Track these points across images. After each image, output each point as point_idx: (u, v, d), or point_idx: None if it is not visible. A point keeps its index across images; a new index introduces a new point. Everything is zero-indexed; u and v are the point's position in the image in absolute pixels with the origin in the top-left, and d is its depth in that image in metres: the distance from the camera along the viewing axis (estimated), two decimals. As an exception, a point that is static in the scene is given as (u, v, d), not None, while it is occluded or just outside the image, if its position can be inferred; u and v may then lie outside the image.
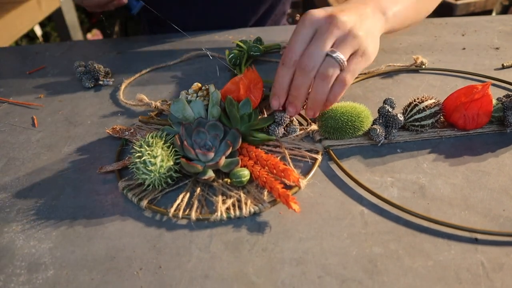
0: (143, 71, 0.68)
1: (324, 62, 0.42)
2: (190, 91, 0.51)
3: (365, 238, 0.36)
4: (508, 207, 0.38)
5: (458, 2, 1.68)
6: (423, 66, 0.63)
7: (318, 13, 0.44)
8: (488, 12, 1.81)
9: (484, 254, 0.34)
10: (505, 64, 0.63)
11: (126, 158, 0.45)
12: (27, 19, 1.50)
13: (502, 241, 0.35)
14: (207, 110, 0.46)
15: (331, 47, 0.43)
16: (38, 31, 1.78)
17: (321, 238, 0.36)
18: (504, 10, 1.94)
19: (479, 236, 0.35)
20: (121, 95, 0.60)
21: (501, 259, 0.33)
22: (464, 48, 0.70)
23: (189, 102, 0.46)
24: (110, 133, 0.49)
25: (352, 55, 0.44)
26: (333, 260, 0.34)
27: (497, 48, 0.69)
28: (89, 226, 0.38)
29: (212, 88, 0.47)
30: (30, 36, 1.99)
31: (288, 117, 0.46)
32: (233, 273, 0.33)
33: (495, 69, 0.62)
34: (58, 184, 0.44)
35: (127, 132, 0.49)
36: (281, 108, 0.46)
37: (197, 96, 0.50)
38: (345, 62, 0.42)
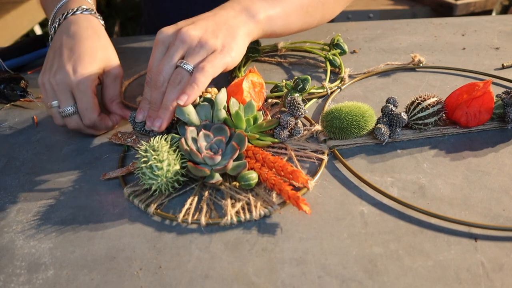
0: (142, 72, 0.68)
1: (173, 73, 0.45)
2: None
3: (365, 238, 0.36)
4: (508, 207, 0.38)
5: (458, 2, 1.68)
6: (421, 64, 0.64)
7: (168, 30, 0.47)
8: (488, 12, 1.81)
9: (484, 254, 0.34)
10: (505, 64, 0.63)
11: (131, 164, 0.45)
12: (27, 19, 1.50)
13: (502, 241, 0.35)
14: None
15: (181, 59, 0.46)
16: (38, 31, 1.78)
17: (321, 238, 0.36)
18: (504, 10, 1.94)
19: (477, 231, 0.35)
20: (123, 98, 0.60)
21: (501, 259, 0.33)
22: (464, 48, 0.70)
23: (195, 106, 0.45)
24: (112, 140, 0.49)
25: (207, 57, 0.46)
26: (333, 260, 0.34)
27: (497, 48, 0.69)
28: (89, 226, 0.39)
29: (216, 90, 0.46)
30: (30, 36, 1.99)
31: (293, 120, 0.46)
32: (233, 273, 0.33)
33: (495, 69, 0.62)
34: (58, 184, 0.44)
35: (129, 139, 0.49)
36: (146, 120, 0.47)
37: (201, 99, 0.49)
38: (193, 70, 0.45)
